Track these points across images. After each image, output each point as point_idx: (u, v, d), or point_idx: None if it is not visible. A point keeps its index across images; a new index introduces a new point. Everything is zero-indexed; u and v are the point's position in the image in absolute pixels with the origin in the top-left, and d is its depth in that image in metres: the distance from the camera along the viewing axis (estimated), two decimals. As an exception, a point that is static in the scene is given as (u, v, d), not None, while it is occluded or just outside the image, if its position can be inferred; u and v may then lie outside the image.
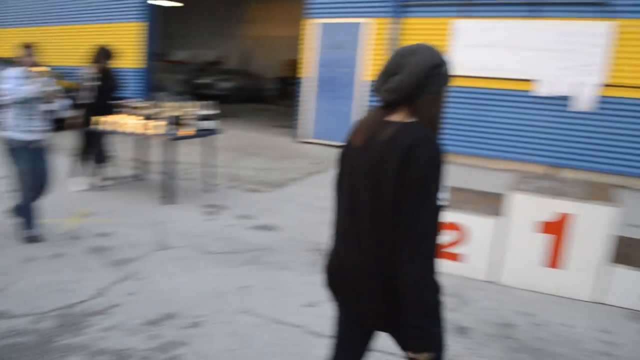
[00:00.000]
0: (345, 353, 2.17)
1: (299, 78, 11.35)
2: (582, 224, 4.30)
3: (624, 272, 4.29)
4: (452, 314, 4.01)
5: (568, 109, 8.93)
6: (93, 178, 6.93)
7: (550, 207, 4.36)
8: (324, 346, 3.40)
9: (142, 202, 6.46)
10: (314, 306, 3.95)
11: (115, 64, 7.04)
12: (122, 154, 8.14)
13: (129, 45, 13.42)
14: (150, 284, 4.20)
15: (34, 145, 4.76)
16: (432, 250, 1.77)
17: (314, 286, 4.29)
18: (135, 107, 6.74)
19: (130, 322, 3.58)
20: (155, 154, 7.52)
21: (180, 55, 23.67)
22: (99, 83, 6.74)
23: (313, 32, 10.95)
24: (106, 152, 7.09)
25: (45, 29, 15.58)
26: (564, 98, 8.93)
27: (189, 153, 7.77)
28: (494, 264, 4.66)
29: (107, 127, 6.52)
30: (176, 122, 6.41)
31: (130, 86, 12.83)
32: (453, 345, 3.55)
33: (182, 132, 6.40)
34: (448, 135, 9.84)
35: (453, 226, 4.72)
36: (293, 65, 19.86)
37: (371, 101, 10.44)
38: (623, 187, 8.73)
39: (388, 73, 1.86)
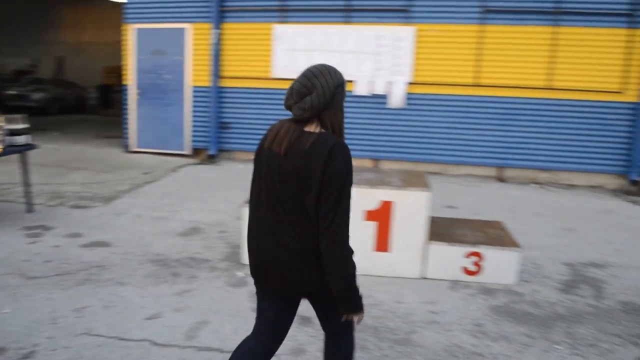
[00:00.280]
0: (270, 329, 2.55)
1: (123, 86, 10.91)
2: (402, 209, 4.75)
3: (441, 248, 4.82)
4: (294, 306, 4.20)
5: (384, 106, 9.74)
6: None
7: (374, 196, 4.75)
8: (172, 355, 3.39)
9: (-49, 230, 5.80)
10: (157, 318, 3.89)
11: None
12: None
13: None
14: (-30, 319, 3.82)
15: None
16: (348, 233, 2.25)
17: (155, 298, 4.23)
18: None
19: (-51, 363, 3.24)
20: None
21: (-17, 64, 21.39)
22: None
23: (132, 38, 10.59)
24: None
25: None
26: (380, 96, 9.72)
27: (3, 172, 7.12)
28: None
29: None
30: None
31: None
32: (298, 334, 3.73)
33: (-8, 149, 5.83)
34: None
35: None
36: (116, 72, 18.93)
37: (199, 106, 10.40)
38: (438, 173, 9.73)
39: (301, 93, 2.27)
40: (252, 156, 10.56)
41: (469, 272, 4.85)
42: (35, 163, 7.24)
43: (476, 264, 4.83)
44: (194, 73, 10.44)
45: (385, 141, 9.84)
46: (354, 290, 2.31)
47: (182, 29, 10.34)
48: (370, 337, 3.75)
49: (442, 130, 9.65)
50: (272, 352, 2.57)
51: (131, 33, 10.57)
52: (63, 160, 9.83)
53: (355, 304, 2.34)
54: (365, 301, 4.31)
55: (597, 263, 5.63)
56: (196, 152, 10.69)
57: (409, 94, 9.65)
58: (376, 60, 9.64)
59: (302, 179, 2.21)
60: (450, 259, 4.82)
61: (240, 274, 4.82)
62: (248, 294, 4.38)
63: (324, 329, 2.65)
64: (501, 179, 9.63)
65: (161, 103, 10.64)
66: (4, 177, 7.15)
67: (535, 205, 8.06)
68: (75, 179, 8.32)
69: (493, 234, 5.15)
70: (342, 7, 9.68)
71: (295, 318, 3.95)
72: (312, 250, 2.28)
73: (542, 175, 9.61)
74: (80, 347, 3.45)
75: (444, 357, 3.55)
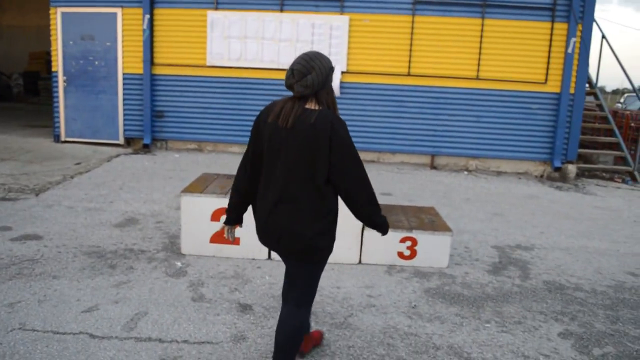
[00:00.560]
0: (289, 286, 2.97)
1: (52, 72, 10.47)
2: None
3: (377, 234, 4.94)
4: (233, 294, 4.24)
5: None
6: None
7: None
8: (111, 348, 3.35)
9: None
10: (95, 310, 3.83)
11: None
12: None
13: None
14: None
15: None
16: (369, 180, 2.77)
17: (92, 290, 4.15)
18: None
19: None
20: None
21: None
22: None
23: (59, 22, 10.16)
24: None
25: None
26: (318, 84, 9.78)
27: None
28: (269, 242, 5.00)
29: None
30: None
31: None
32: (238, 322, 3.78)
33: None
34: (213, 126, 10.08)
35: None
36: (43, 58, 18.04)
37: (132, 94, 10.14)
38: (373, 161, 9.93)
39: (301, 73, 2.64)
40: (188, 145, 10.41)
41: (404, 257, 5.02)
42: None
43: (410, 248, 5.00)
44: (126, 60, 10.15)
45: (322, 130, 9.92)
46: (385, 223, 2.96)
47: (113, 14, 10.01)
48: (311, 322, 3.84)
49: (376, 119, 9.84)
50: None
51: (58, 17, 10.14)
52: (-13, 151, 9.37)
53: (386, 225, 2.97)
54: (304, 287, 4.42)
55: (524, 245, 5.95)
56: (130, 141, 10.43)
57: (343, 82, 9.78)
58: (312, 49, 9.66)
59: (312, 148, 2.62)
60: (385, 244, 4.97)
61: (178, 264, 4.80)
62: (187, 284, 4.38)
63: (287, 299, 2.96)
64: (434, 167, 9.94)
65: (92, 91, 10.29)
66: None
67: (466, 191, 8.39)
68: (1, 170, 7.96)
69: (426, 219, 5.34)
70: (278, -5, 9.67)
71: (235, 306, 4.01)
72: (312, 218, 2.72)
73: (473, 163, 10.00)
74: (14, 342, 3.35)
75: (381, 338, 3.69)
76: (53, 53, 10.32)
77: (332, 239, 2.86)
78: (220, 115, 10.07)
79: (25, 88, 19.02)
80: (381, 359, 3.43)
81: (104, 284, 4.29)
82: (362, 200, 2.78)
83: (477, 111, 9.75)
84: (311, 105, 2.70)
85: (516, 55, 9.55)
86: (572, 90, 9.52)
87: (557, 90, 9.58)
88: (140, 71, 10.04)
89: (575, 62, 9.46)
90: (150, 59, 9.96)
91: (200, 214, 4.96)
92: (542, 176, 9.86)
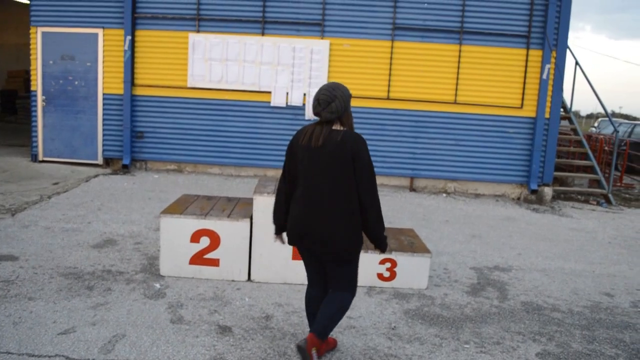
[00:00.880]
0: (317, 276, 3.56)
1: (31, 91, 10.39)
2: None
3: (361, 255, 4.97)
4: (213, 316, 4.21)
5: (301, 117, 9.89)
6: None
7: (293, 206, 4.84)
8: (88, 370, 3.30)
9: None
10: (72, 332, 3.77)
11: None
12: None
13: None
14: None
15: None
16: (377, 193, 3.30)
17: (69, 312, 4.09)
18: None
19: None
20: None
21: None
22: None
23: (39, 42, 10.12)
24: None
25: None
26: (297, 107, 9.87)
27: None
28: (248, 264, 4.99)
29: None
30: None
31: None
32: (218, 344, 3.75)
33: None
34: (193, 147, 10.08)
35: (207, 233, 4.92)
36: (21, 76, 17.87)
37: (112, 115, 10.10)
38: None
39: (326, 102, 3.21)
40: (167, 166, 10.43)
41: (384, 278, 5.04)
42: None
43: (390, 270, 5.03)
44: (106, 80, 10.13)
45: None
46: (384, 237, 3.42)
47: (94, 34, 10.01)
48: (291, 344, 3.83)
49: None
50: (324, 285, 3.57)
51: (38, 36, 10.11)
52: (-39, 170, 9.24)
53: (385, 244, 3.46)
54: (284, 309, 4.44)
55: (502, 267, 6.01)
56: (109, 161, 10.36)
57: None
58: (292, 72, 9.79)
59: (339, 162, 3.19)
60: (365, 265, 4.97)
61: (157, 285, 4.75)
62: (166, 306, 4.34)
63: (331, 286, 3.49)
64: (413, 189, 10.03)
65: (71, 110, 10.23)
66: None
67: (445, 213, 8.47)
68: (-24, 190, 7.84)
69: (405, 241, 5.38)
70: (258, 19, 9.77)
71: (215, 328, 3.99)
72: (340, 220, 3.26)
73: (451, 185, 10.11)
74: (-13, 365, 3.29)
75: (361, 360, 3.69)
76: (32, 72, 10.26)
77: (359, 239, 3.37)
78: (200, 137, 10.08)
79: (2, 107, 18.80)
80: (361, 381, 3.42)
81: (81, 306, 4.23)
82: (369, 215, 3.29)
83: (455, 134, 9.89)
84: (336, 127, 3.27)
85: (493, 80, 9.76)
86: (547, 115, 9.73)
87: (533, 114, 9.78)
88: (121, 92, 10.03)
89: (550, 87, 9.69)
90: (131, 80, 9.95)
91: (179, 235, 4.94)
92: (519, 199, 10.01)
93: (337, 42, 9.76)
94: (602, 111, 12.49)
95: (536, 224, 8.25)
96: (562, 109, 10.49)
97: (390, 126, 9.87)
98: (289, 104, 9.86)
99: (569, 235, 7.70)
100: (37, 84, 10.24)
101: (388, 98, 9.80)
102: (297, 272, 4.97)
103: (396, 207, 8.60)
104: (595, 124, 21.90)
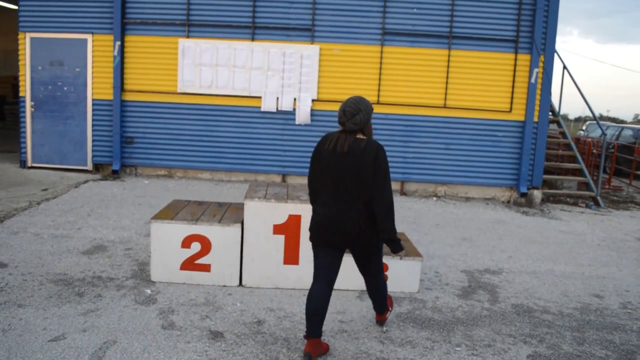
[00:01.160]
0: (329, 271, 3.76)
1: (20, 97, 10.32)
2: (309, 222, 4.85)
3: (348, 259, 4.96)
4: (204, 321, 4.20)
5: (291, 122, 9.90)
6: None
7: (282, 211, 4.85)
8: (78, 377, 3.28)
9: None
10: (62, 339, 3.74)
11: None
12: None
13: None
14: None
15: None
16: (392, 195, 3.60)
17: (58, 319, 4.06)
18: None
19: None
20: None
21: None
22: None
23: (27, 47, 10.07)
24: None
25: None
26: (287, 112, 9.88)
27: None
28: (239, 269, 4.99)
29: None
30: None
31: None
32: (209, 350, 3.74)
33: None
34: (183, 152, 10.05)
35: (198, 238, 4.91)
36: (9, 82, 17.75)
37: (102, 120, 10.06)
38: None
39: (352, 114, 3.58)
40: (158, 171, 10.39)
41: (376, 282, 5.04)
42: None
43: (382, 273, 5.03)
44: (95, 86, 10.09)
45: (292, 156, 9.99)
46: (397, 238, 3.66)
47: (83, 40, 9.97)
48: (283, 349, 3.83)
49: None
50: (332, 284, 3.79)
51: (26, 42, 10.06)
52: (-51, 177, 9.15)
53: (399, 244, 3.67)
54: (276, 314, 4.44)
55: (492, 270, 6.04)
56: (99, 167, 10.31)
57: (314, 110, 9.88)
58: (283, 77, 9.80)
59: (362, 167, 3.52)
60: (357, 269, 4.97)
61: (148, 291, 4.73)
62: (157, 312, 4.32)
63: (364, 273, 4.01)
64: (404, 193, 10.06)
65: (60, 116, 10.17)
66: None
67: (435, 217, 8.50)
68: (-36, 197, 7.77)
69: (397, 244, 5.38)
70: (248, 24, 9.78)
71: (207, 333, 3.98)
72: (365, 217, 3.60)
73: (442, 189, 10.15)
74: (-24, 373, 3.26)
75: (353, 363, 3.69)
76: (21, 78, 10.20)
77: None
78: (190, 142, 10.05)
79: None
80: (353, 384, 3.43)
81: (72, 313, 4.21)
82: (382, 212, 3.57)
83: (445, 138, 9.94)
84: (360, 136, 3.64)
85: (482, 84, 9.82)
86: (536, 119, 9.80)
87: (522, 118, 9.85)
88: (110, 97, 9.99)
89: (539, 91, 9.76)
90: (120, 85, 9.92)
91: (170, 240, 4.92)
92: (508, 202, 10.06)
93: (327, 47, 9.79)
94: (590, 114, 12.61)
95: (526, 226, 8.30)
96: (550, 113, 10.56)
97: (381, 130, 9.89)
98: (279, 108, 9.86)
99: (558, 237, 7.75)
100: (25, 89, 10.18)
101: (378, 102, 9.83)
102: (288, 277, 4.97)
103: (387, 211, 8.60)
104: (584, 127, 22.09)
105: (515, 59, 9.73)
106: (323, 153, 3.66)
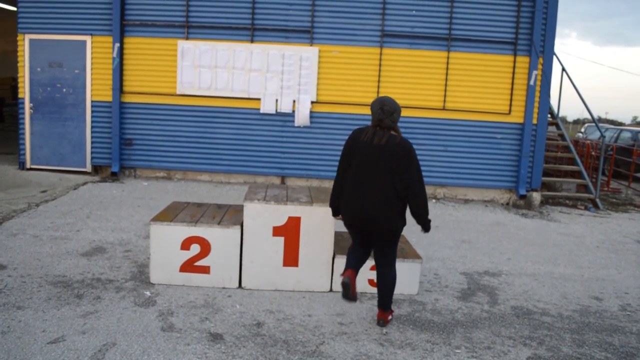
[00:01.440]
0: (362, 248, 4.34)
1: (19, 99, 10.31)
2: (309, 224, 4.88)
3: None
4: (204, 323, 4.19)
5: (290, 124, 9.90)
6: None
7: (282, 212, 4.85)
8: (78, 379, 3.28)
9: None
10: (60, 341, 3.74)
11: None
12: None
13: None
14: None
15: None
16: (424, 188, 4.13)
17: (57, 321, 4.06)
18: None
19: None
20: None
21: None
22: None
23: (26, 49, 10.07)
24: None
25: None
26: (287, 114, 9.88)
27: None
28: (239, 271, 4.98)
29: None
30: None
31: None
32: (209, 352, 3.73)
33: None
34: (182, 154, 10.05)
35: (197, 240, 4.90)
36: (8, 84, 17.74)
37: (101, 122, 10.05)
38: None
39: (389, 112, 4.06)
40: (157, 173, 10.38)
41: (375, 284, 5.03)
42: None
43: (381, 275, 5.02)
44: (95, 87, 10.08)
45: (292, 158, 9.98)
46: (428, 221, 4.28)
47: (82, 42, 9.97)
48: (282, 351, 3.82)
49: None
50: (367, 255, 4.42)
51: (25, 43, 10.05)
52: (-52, 179, 9.14)
53: (429, 226, 4.31)
54: (275, 316, 4.43)
55: (491, 272, 6.04)
56: (98, 169, 10.30)
57: (313, 112, 9.88)
58: (282, 79, 9.80)
59: (396, 160, 3.97)
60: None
61: (147, 293, 4.73)
62: (157, 314, 4.31)
63: (378, 262, 4.28)
64: (403, 195, 10.04)
65: (59, 118, 10.17)
66: None
67: (434, 219, 8.44)
68: (-38, 199, 7.76)
69: (397, 246, 5.38)
70: (248, 26, 9.78)
71: (206, 335, 3.97)
72: (393, 205, 3.99)
73: (441, 191, 10.15)
74: (-25, 376, 3.25)
75: (353, 366, 3.69)
76: (20, 79, 10.19)
77: (403, 222, 4.14)
78: (190, 144, 10.05)
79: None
80: (353, 387, 3.42)
81: (71, 315, 4.20)
82: (418, 201, 4.10)
83: (444, 140, 9.94)
84: (392, 132, 4.07)
85: (481, 86, 9.83)
86: (534, 121, 9.81)
87: (521, 120, 9.86)
88: (109, 99, 9.99)
89: (537, 93, 9.77)
90: (119, 87, 9.91)
91: (169, 242, 4.92)
92: (507, 204, 10.07)
93: (326, 49, 9.80)
94: (589, 117, 12.61)
95: (525, 228, 8.30)
96: (549, 115, 10.58)
97: (380, 132, 9.87)
98: (278, 110, 9.86)
99: (557, 239, 7.76)
100: (24, 91, 10.18)
101: (377, 104, 9.81)
102: (288, 279, 4.97)
103: (386, 213, 8.60)
104: (582, 130, 22.11)
105: (514, 61, 9.74)
106: (359, 144, 4.06)
